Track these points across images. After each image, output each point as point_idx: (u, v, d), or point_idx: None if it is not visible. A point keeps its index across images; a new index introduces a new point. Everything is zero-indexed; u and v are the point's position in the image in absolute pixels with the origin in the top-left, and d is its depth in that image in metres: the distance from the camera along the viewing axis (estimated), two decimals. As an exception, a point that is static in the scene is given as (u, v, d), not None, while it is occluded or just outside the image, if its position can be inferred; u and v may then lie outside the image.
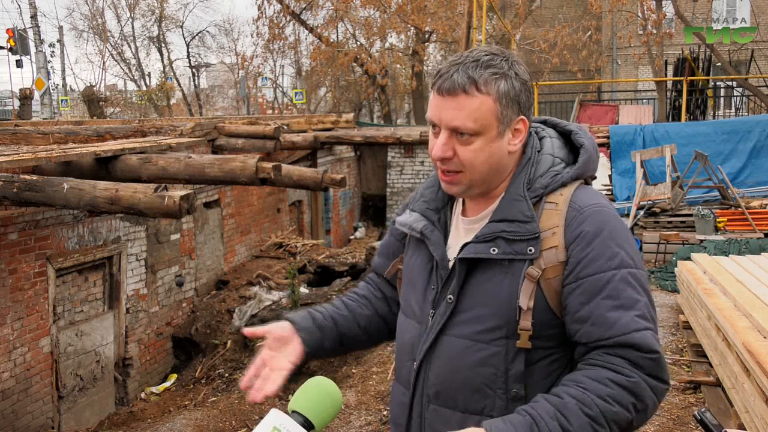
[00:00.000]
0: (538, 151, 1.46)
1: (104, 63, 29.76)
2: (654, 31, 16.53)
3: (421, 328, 1.47)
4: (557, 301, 1.37)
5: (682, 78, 13.63)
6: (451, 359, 1.41)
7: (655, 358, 1.32)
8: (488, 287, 1.39)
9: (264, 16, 19.91)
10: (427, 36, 20.85)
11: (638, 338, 1.31)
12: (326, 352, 1.63)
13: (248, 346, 7.35)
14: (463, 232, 1.48)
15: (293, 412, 1.23)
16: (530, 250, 1.36)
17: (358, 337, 1.65)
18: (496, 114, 1.36)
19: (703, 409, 1.50)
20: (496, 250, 1.37)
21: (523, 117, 1.40)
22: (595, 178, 1.51)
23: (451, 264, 1.45)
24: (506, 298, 1.37)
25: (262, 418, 1.21)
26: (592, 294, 1.33)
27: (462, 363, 1.40)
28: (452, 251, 1.46)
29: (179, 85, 29.53)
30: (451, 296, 1.42)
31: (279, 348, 1.53)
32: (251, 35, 21.31)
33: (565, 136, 1.51)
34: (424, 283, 1.49)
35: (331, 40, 20.29)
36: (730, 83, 17.33)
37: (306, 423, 1.22)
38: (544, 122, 1.55)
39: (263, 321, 7.63)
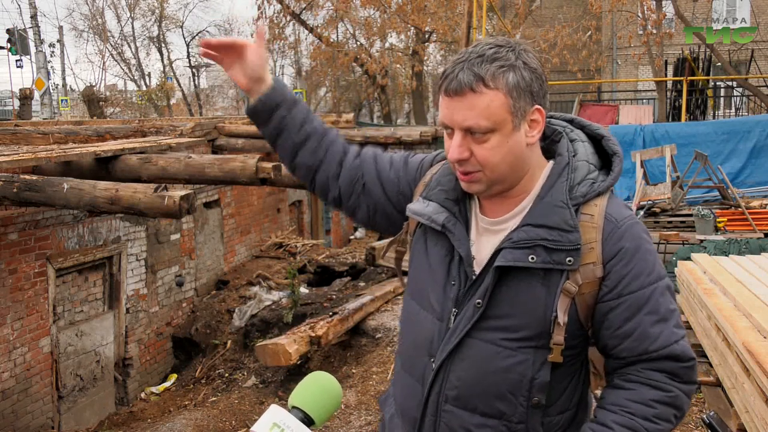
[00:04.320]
0: (573, 156, 1.41)
1: (104, 63, 29.78)
2: (654, 31, 16.50)
3: (442, 325, 1.42)
4: (586, 314, 1.37)
5: (682, 78, 13.62)
6: (478, 364, 1.38)
7: (692, 365, 1.38)
8: (522, 297, 1.35)
9: (264, 16, 19.88)
10: (427, 36, 20.83)
11: (679, 349, 1.36)
12: (273, 113, 1.61)
13: (248, 346, 7.35)
14: (482, 231, 1.44)
15: (293, 407, 1.22)
16: (569, 261, 1.32)
17: (293, 138, 1.62)
18: (509, 108, 1.30)
19: (711, 413, 1.52)
20: (535, 259, 1.33)
21: (538, 107, 1.34)
22: None
23: (479, 267, 1.39)
24: (540, 310, 1.34)
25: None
26: (635, 310, 1.34)
27: (488, 368, 1.37)
28: (475, 248, 1.42)
29: (179, 85, 29.52)
30: (479, 300, 1.37)
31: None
32: (251, 35, 21.30)
33: (593, 139, 1.47)
34: (442, 278, 1.44)
35: (331, 40, 20.27)
36: (730, 83, 17.32)
37: (306, 418, 1.21)
38: (571, 122, 1.49)
39: (263, 321, 7.64)
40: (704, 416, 1.52)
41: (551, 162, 1.42)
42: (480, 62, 1.30)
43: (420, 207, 1.47)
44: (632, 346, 1.35)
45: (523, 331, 1.35)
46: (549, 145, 1.45)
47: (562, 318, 1.32)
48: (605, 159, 1.45)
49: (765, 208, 8.36)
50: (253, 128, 8.93)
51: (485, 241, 1.42)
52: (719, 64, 15.52)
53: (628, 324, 1.34)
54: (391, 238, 1.65)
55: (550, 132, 1.45)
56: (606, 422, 1.35)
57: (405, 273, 1.65)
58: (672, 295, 1.38)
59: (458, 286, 1.41)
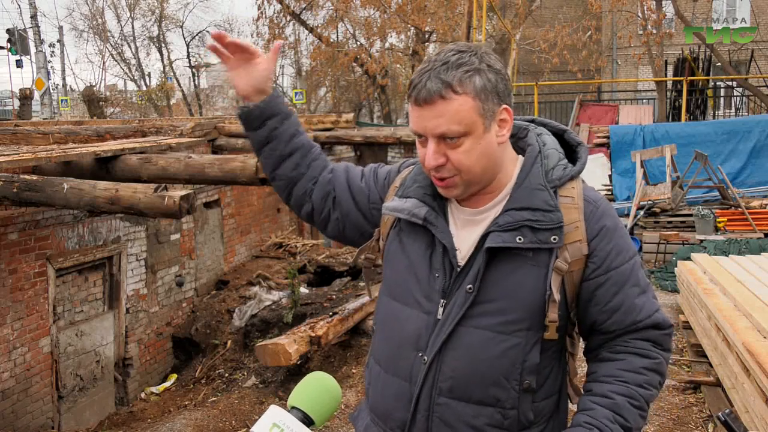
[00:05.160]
0: (543, 146, 1.48)
1: (104, 63, 29.80)
2: (654, 31, 16.50)
3: (430, 318, 1.43)
4: (572, 292, 1.43)
5: (682, 78, 13.64)
6: (472, 352, 1.40)
7: (670, 332, 1.47)
8: (513, 278, 1.39)
9: (264, 16, 19.89)
10: (427, 36, 20.82)
11: (660, 318, 1.45)
12: (266, 122, 1.61)
13: (248, 346, 7.35)
14: (463, 223, 1.47)
15: (293, 408, 1.22)
16: (554, 239, 1.37)
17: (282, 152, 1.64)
18: (478, 111, 1.35)
19: (727, 411, 1.55)
20: (522, 239, 1.37)
21: (505, 106, 1.39)
22: None
23: (463, 259, 1.42)
24: (532, 290, 1.38)
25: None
26: (621, 284, 1.42)
27: (483, 355, 1.39)
28: (456, 241, 1.45)
29: (179, 85, 29.51)
30: (470, 286, 1.40)
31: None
32: (251, 35, 21.24)
33: (555, 135, 1.54)
34: (426, 271, 1.45)
35: (331, 40, 20.27)
36: (730, 83, 17.33)
37: (306, 419, 1.21)
38: (532, 121, 1.55)
39: (263, 321, 7.63)
40: (719, 414, 1.55)
41: (521, 156, 1.49)
42: (446, 69, 1.34)
43: (398, 204, 1.50)
44: (621, 318, 1.43)
45: (514, 313, 1.39)
46: (516, 141, 1.50)
47: (556, 295, 1.38)
48: (569, 153, 1.53)
49: (765, 208, 8.36)
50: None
51: (466, 233, 1.45)
52: (719, 64, 15.53)
53: (616, 298, 1.42)
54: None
55: (515, 130, 1.51)
56: (604, 393, 1.40)
57: (376, 281, 1.67)
58: (641, 267, 1.49)
59: (443, 278, 1.43)
